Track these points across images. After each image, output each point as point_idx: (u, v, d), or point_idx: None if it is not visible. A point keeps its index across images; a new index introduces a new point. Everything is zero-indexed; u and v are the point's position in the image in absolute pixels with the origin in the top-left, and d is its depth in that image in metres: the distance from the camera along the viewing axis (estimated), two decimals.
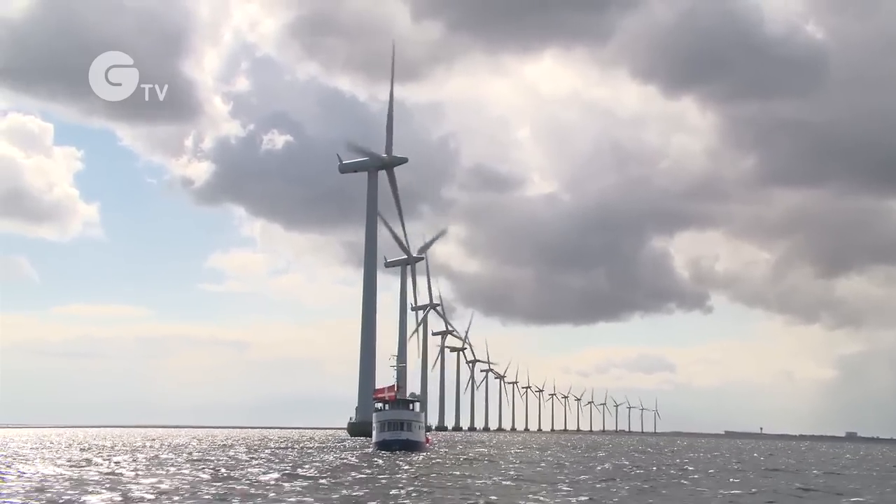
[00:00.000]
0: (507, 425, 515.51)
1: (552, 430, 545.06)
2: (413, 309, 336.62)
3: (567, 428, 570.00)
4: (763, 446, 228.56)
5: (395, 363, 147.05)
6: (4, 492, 49.76)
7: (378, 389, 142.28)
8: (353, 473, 67.77)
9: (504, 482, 62.17)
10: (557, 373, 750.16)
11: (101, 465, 78.19)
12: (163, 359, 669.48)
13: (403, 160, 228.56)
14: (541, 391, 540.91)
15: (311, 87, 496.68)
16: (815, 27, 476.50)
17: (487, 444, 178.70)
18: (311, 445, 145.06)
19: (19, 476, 62.29)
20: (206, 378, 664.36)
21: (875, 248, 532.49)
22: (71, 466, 74.73)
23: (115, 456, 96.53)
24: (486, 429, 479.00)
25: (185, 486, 54.09)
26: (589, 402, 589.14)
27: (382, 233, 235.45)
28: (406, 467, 76.69)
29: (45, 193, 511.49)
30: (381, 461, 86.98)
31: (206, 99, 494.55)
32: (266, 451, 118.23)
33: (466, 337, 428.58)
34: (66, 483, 56.10)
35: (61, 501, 45.18)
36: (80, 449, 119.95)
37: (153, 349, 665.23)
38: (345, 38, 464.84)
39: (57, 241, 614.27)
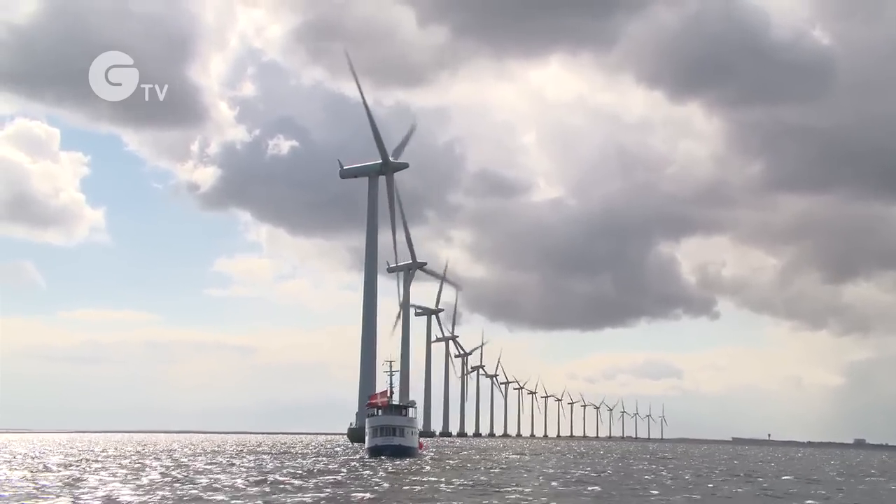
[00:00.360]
0: (512, 431, 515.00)
1: (558, 436, 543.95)
2: (417, 314, 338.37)
3: (573, 434, 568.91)
4: (752, 453, 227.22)
5: (388, 369, 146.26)
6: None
7: (371, 395, 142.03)
8: (324, 478, 67.46)
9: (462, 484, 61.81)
10: (564, 379, 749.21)
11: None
12: (168, 364, 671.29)
13: (404, 165, 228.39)
14: (546, 397, 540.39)
15: (317, 92, 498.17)
16: (821, 32, 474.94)
17: (476, 448, 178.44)
18: (300, 451, 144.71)
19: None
20: (212, 383, 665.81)
21: (882, 254, 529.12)
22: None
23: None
24: (492, 434, 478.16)
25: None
26: (596, 408, 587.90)
27: (386, 238, 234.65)
28: (382, 473, 76.30)
29: (52, 198, 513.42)
30: (356, 465, 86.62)
31: (211, 104, 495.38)
32: (251, 455, 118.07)
33: (482, 349, 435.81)
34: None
35: None
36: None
37: (159, 354, 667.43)
38: (351, 44, 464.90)
39: (63, 246, 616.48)
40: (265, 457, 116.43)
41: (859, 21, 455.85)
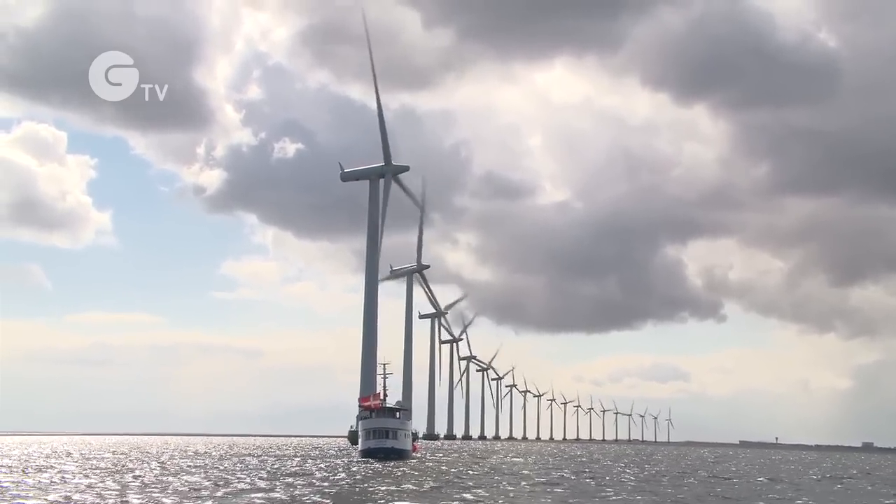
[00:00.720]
0: (518, 434, 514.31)
1: (564, 439, 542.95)
2: (420, 317, 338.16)
3: (580, 437, 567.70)
4: (753, 456, 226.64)
5: (382, 371, 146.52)
6: None
7: (364, 398, 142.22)
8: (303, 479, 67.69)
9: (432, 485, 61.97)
10: (570, 381, 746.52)
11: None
12: (175, 366, 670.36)
13: (405, 168, 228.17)
14: (552, 400, 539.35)
15: (323, 95, 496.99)
16: (827, 34, 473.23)
17: (473, 451, 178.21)
18: (294, 454, 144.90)
19: None
20: (219, 386, 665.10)
21: (890, 257, 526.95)
22: None
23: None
24: (497, 437, 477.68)
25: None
26: (602, 411, 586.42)
27: (388, 240, 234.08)
28: (368, 475, 76.43)
29: (59, 201, 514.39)
30: (343, 469, 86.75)
31: (217, 107, 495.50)
32: (243, 458, 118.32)
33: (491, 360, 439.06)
34: None
35: None
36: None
37: (165, 357, 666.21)
38: (356, 47, 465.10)
39: (70, 249, 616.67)
40: (249, 458, 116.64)
41: (865, 23, 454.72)
